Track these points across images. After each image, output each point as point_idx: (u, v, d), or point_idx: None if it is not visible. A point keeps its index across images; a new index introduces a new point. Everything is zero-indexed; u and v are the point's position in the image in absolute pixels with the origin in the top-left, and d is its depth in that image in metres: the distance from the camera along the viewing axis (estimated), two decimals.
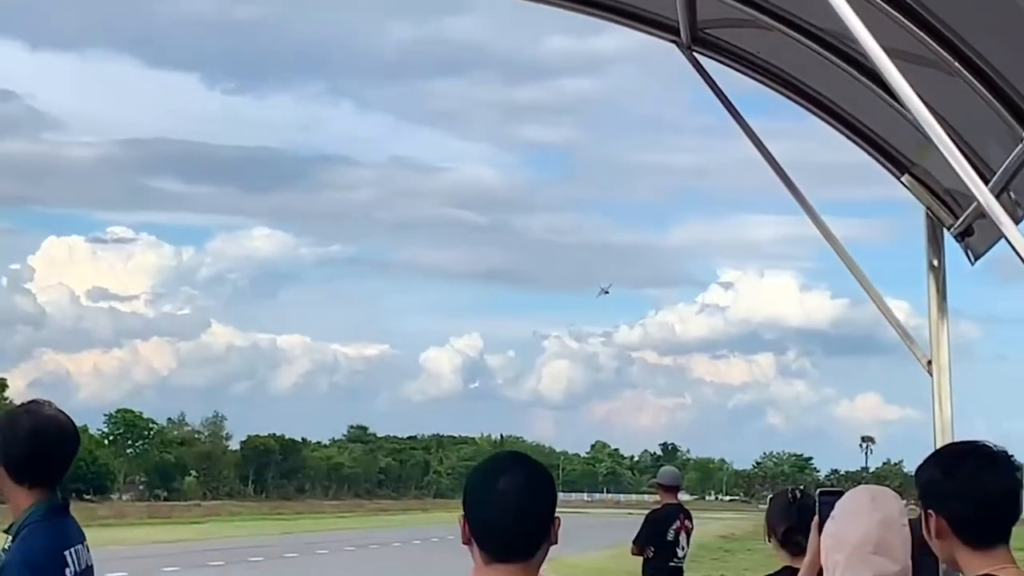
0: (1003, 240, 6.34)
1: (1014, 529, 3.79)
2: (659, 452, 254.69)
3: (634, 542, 14.35)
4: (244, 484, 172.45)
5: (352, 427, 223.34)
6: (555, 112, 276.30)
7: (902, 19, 4.99)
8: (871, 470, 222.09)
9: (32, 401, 5.23)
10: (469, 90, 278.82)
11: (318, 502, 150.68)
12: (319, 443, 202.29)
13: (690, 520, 14.49)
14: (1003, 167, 5.09)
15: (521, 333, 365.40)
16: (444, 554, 50.17)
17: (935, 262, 6.65)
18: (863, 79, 5.98)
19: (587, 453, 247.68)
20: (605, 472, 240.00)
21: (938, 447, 6.33)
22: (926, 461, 3.87)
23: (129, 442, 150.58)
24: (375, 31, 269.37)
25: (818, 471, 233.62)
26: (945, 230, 6.61)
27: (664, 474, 15.03)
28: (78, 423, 5.38)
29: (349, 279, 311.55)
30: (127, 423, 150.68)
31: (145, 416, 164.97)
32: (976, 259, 6.50)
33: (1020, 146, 4.91)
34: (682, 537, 14.22)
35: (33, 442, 5.06)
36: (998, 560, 3.73)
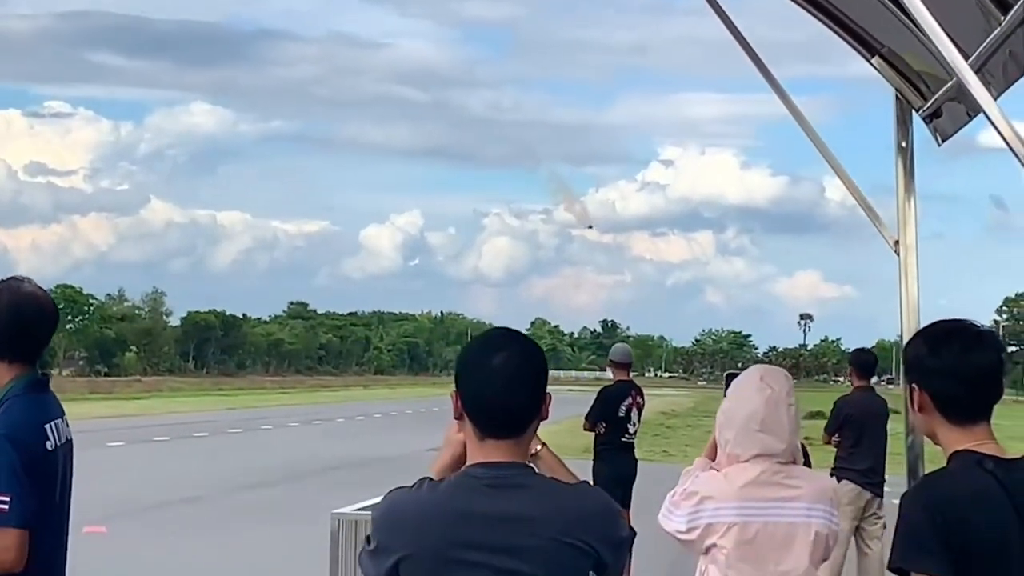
0: (968, 122, 6.47)
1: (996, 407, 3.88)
2: (599, 329, 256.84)
3: (586, 418, 14.47)
4: (184, 360, 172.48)
5: (292, 303, 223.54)
6: None
7: None
8: (809, 347, 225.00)
9: (11, 277, 5.21)
10: None
11: (259, 378, 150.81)
12: (259, 319, 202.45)
13: (642, 397, 14.64)
14: (980, 47, 5.13)
15: (462, 210, 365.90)
16: (389, 429, 50.62)
17: (903, 143, 6.70)
18: None
19: (527, 330, 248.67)
20: (545, 349, 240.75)
21: (904, 326, 6.50)
22: (914, 337, 3.94)
23: (69, 317, 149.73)
24: None
25: (757, 348, 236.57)
26: (913, 112, 6.66)
27: (616, 351, 15.13)
28: None
29: (290, 156, 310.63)
30: (66, 298, 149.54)
31: (85, 292, 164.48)
32: (944, 140, 6.56)
33: (998, 28, 4.95)
34: (633, 413, 14.36)
35: (12, 318, 5.06)
36: (978, 436, 3.81)
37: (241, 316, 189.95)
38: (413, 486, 3.61)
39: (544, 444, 3.86)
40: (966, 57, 4.52)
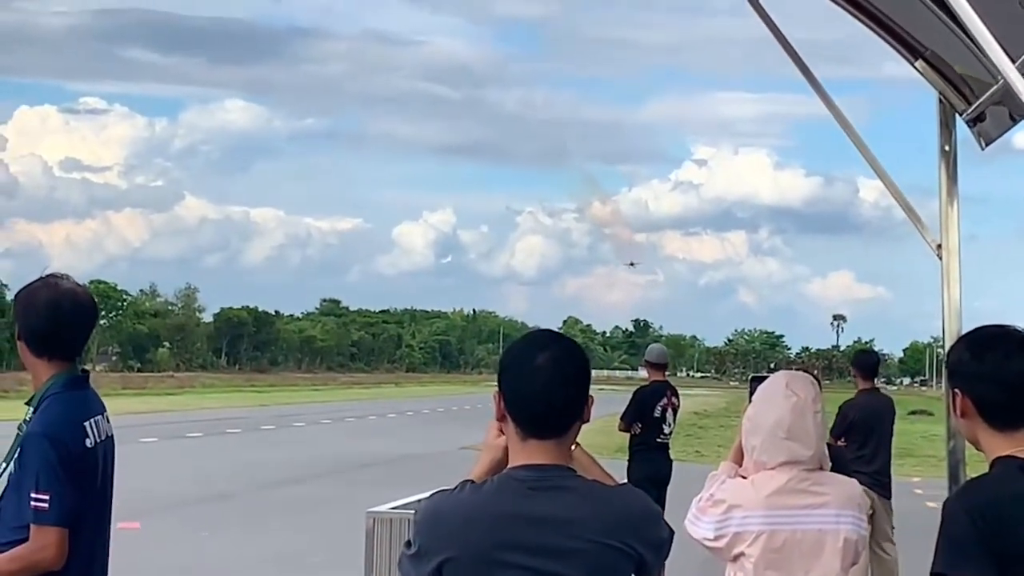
0: (1012, 127, 6.43)
1: None
2: (631, 328, 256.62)
3: (621, 418, 14.44)
4: (217, 356, 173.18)
5: (325, 300, 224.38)
6: None
7: None
8: (842, 348, 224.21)
9: (50, 274, 5.21)
10: None
11: (291, 375, 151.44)
12: (292, 316, 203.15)
13: (677, 397, 14.60)
14: None
15: (494, 208, 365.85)
16: (421, 427, 50.65)
17: (946, 147, 6.66)
18: None
19: (559, 329, 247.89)
20: None
21: (946, 329, 6.46)
22: (957, 342, 3.92)
23: (103, 313, 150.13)
24: None
25: (789, 349, 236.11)
26: (957, 116, 6.62)
27: (652, 351, 15.09)
28: None
29: (323, 153, 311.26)
30: (100, 294, 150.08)
31: (118, 288, 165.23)
32: (987, 145, 6.52)
33: None
34: (668, 414, 14.33)
35: (51, 315, 5.07)
36: (1021, 442, 3.79)
37: (274, 313, 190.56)
38: (455, 489, 3.60)
39: (577, 443, 3.85)
40: (1013, 60, 4.48)
